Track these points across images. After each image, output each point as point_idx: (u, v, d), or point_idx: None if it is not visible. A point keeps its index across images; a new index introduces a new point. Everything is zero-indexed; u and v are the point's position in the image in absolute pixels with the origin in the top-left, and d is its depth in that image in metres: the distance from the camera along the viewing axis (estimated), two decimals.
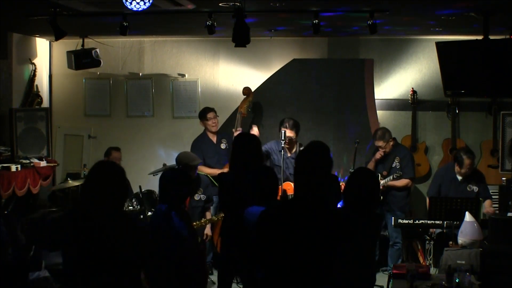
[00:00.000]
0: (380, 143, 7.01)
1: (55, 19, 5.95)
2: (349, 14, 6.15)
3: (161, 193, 4.42)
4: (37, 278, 4.93)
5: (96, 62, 7.68)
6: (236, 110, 7.61)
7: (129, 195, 7.25)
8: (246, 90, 7.63)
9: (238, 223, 4.67)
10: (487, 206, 6.83)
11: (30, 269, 4.94)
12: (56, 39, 6.20)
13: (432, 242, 7.14)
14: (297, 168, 3.54)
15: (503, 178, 7.09)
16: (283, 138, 6.95)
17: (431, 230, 7.00)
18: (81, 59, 7.54)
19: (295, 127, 7.04)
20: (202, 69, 8.48)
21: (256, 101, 7.86)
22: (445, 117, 7.98)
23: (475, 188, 6.79)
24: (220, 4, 5.53)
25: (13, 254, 4.82)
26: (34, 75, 8.09)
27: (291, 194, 6.60)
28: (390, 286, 5.03)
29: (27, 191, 7.01)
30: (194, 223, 5.60)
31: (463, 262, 5.12)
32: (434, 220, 6.48)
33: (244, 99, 7.58)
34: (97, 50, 7.71)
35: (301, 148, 6.75)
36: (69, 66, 7.61)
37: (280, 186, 6.91)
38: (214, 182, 6.88)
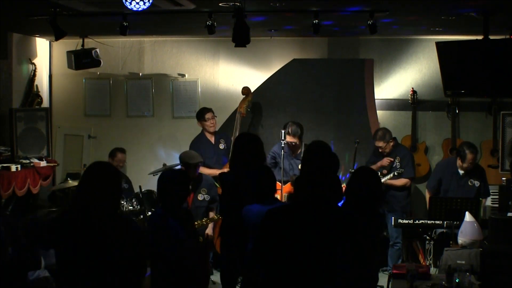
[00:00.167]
0: (380, 144, 7.01)
1: (55, 19, 5.95)
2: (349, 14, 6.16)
3: (159, 193, 4.41)
4: (37, 278, 4.93)
5: (96, 62, 7.68)
6: (236, 110, 7.61)
7: (129, 195, 7.26)
8: (245, 90, 7.63)
9: (239, 223, 4.67)
10: None
11: (29, 268, 4.93)
12: (56, 39, 6.19)
13: (432, 242, 7.14)
14: (301, 168, 3.56)
15: (503, 178, 7.08)
16: (283, 138, 6.96)
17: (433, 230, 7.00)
18: (81, 59, 7.54)
19: (297, 134, 7.00)
20: (202, 69, 8.48)
21: (255, 101, 7.86)
22: (445, 117, 7.98)
23: (477, 183, 6.81)
24: (220, 4, 5.53)
25: (13, 254, 4.81)
26: (34, 75, 8.09)
27: None
28: (390, 286, 5.03)
29: (27, 191, 7.01)
30: (196, 223, 5.59)
31: (463, 262, 5.12)
32: (434, 220, 6.49)
33: (243, 99, 7.58)
34: (97, 50, 7.71)
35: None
36: (69, 66, 7.61)
37: (283, 186, 6.93)
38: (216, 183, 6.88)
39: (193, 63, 8.49)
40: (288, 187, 6.78)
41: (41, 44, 8.35)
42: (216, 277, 6.70)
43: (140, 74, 8.57)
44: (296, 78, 7.94)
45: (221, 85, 8.43)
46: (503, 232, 5.52)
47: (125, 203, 7.02)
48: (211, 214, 6.72)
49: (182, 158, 6.62)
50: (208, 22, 5.92)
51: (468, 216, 5.57)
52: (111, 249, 3.37)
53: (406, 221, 6.84)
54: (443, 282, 4.63)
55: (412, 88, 7.93)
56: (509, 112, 7.58)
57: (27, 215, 6.71)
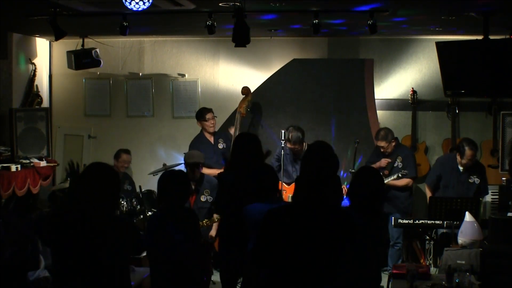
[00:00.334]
0: (382, 143, 7.00)
1: (55, 19, 5.95)
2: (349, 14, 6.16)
3: (158, 194, 4.40)
4: (37, 278, 4.93)
5: (96, 62, 7.68)
6: (236, 110, 7.61)
7: (130, 196, 7.25)
8: (245, 90, 7.62)
9: (239, 223, 4.66)
10: None
11: (28, 269, 4.93)
12: (56, 39, 6.19)
13: (432, 242, 7.14)
14: (301, 168, 3.56)
15: (503, 178, 7.09)
16: (283, 138, 6.96)
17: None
18: (81, 59, 7.54)
19: (298, 141, 6.97)
20: (202, 69, 8.48)
21: (255, 101, 7.86)
22: (445, 117, 7.98)
23: (477, 180, 6.81)
24: (220, 4, 5.53)
25: (12, 254, 4.82)
26: (34, 75, 8.09)
27: None
28: (390, 286, 5.03)
29: (27, 191, 7.01)
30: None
31: (463, 262, 5.12)
32: (434, 220, 6.49)
33: (243, 99, 7.58)
34: (97, 50, 7.71)
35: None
36: (69, 66, 7.61)
37: (287, 187, 6.94)
38: None
39: (193, 63, 8.49)
40: (292, 189, 6.79)
41: (41, 44, 8.35)
42: (216, 277, 6.69)
43: (140, 74, 8.57)
44: (296, 78, 7.94)
45: (221, 85, 8.43)
46: (503, 232, 5.52)
47: (125, 203, 7.02)
48: (215, 216, 6.71)
49: (184, 158, 6.63)
50: (208, 22, 5.92)
51: (468, 216, 5.57)
52: (106, 249, 3.38)
53: (406, 221, 6.84)
54: (443, 282, 4.63)
55: (412, 88, 7.93)
56: (509, 112, 7.58)
57: (27, 215, 6.71)
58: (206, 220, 6.41)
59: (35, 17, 6.17)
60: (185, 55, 8.50)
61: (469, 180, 6.83)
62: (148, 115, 8.61)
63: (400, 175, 6.90)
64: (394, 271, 5.01)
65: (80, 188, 3.48)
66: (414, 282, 4.59)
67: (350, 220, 3.52)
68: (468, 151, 6.70)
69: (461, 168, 6.85)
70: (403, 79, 8.07)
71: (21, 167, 7.03)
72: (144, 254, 6.13)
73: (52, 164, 7.56)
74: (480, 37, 5.88)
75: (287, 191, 6.97)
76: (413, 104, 7.88)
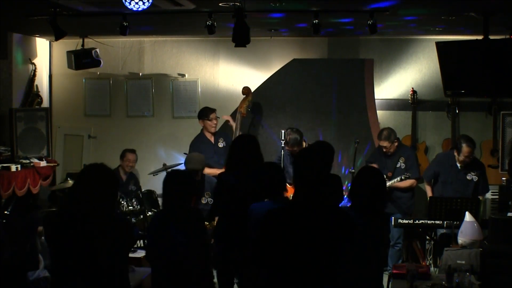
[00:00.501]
0: (385, 144, 6.98)
1: (55, 19, 5.95)
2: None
3: (163, 194, 4.38)
4: (37, 278, 4.93)
5: (96, 62, 7.68)
6: (236, 110, 7.61)
7: (131, 195, 7.25)
8: (246, 90, 7.62)
9: (239, 223, 4.66)
10: None
11: (28, 268, 4.93)
12: (56, 39, 6.19)
13: (432, 242, 7.14)
14: (296, 169, 3.55)
15: (503, 178, 7.09)
16: (282, 138, 6.96)
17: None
18: (81, 59, 7.54)
19: (296, 143, 6.96)
20: (202, 69, 8.48)
21: (256, 101, 7.85)
22: (445, 117, 7.98)
23: (475, 178, 6.79)
24: (220, 4, 5.53)
25: (12, 254, 4.82)
26: (34, 75, 8.09)
27: None
28: (390, 286, 5.03)
29: (27, 191, 7.01)
30: None
31: (463, 262, 5.12)
32: (434, 220, 6.48)
33: (244, 99, 7.58)
34: (97, 50, 7.71)
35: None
36: (69, 66, 7.61)
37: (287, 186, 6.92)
38: None
39: (193, 63, 8.49)
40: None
41: (41, 44, 8.36)
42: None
43: (140, 74, 8.57)
44: (296, 78, 7.94)
45: (221, 85, 8.44)
46: (503, 232, 5.51)
47: (125, 203, 7.02)
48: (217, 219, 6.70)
49: (184, 161, 6.61)
50: (208, 22, 5.92)
51: (468, 216, 5.56)
52: (105, 249, 3.38)
53: (406, 221, 6.83)
54: (443, 282, 4.63)
55: (412, 88, 7.93)
56: (509, 112, 7.58)
57: (27, 215, 6.72)
58: (207, 223, 6.41)
59: (35, 17, 6.17)
60: (185, 55, 8.50)
61: (467, 178, 6.82)
62: (148, 115, 8.61)
63: (403, 177, 6.88)
64: (394, 271, 5.01)
65: (78, 189, 3.49)
66: (414, 282, 4.58)
67: (348, 219, 3.52)
68: (465, 148, 6.68)
69: (459, 165, 6.84)
70: (403, 79, 8.07)
71: (21, 167, 7.03)
72: (144, 254, 6.17)
73: (52, 164, 7.56)
74: (480, 37, 5.88)
75: (289, 191, 6.97)
76: (413, 104, 7.88)
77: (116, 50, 8.49)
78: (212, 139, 7.50)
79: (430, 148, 8.01)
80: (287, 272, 3.43)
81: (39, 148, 7.50)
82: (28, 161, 7.18)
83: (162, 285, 4.18)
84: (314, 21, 5.85)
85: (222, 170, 6.64)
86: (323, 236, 3.40)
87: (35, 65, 8.10)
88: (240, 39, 5.57)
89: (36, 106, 7.99)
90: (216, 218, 6.48)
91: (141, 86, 8.61)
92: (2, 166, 6.81)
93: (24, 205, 7.03)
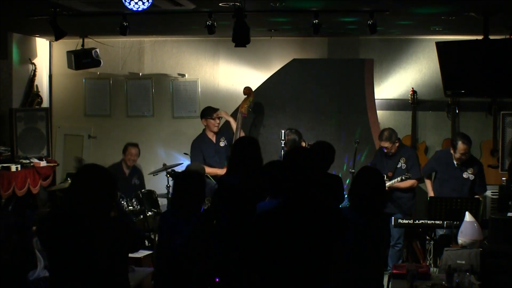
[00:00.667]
0: (386, 144, 6.97)
1: (55, 19, 5.95)
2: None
3: (172, 195, 4.35)
4: (37, 278, 4.92)
5: (96, 62, 7.68)
6: (237, 110, 7.61)
7: (131, 194, 7.24)
8: (247, 90, 7.61)
9: (240, 225, 4.65)
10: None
11: (28, 268, 4.93)
12: (56, 39, 6.20)
13: (432, 242, 7.13)
14: (284, 169, 3.59)
15: (503, 178, 7.08)
16: (283, 138, 6.96)
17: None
18: (81, 59, 7.55)
19: (293, 145, 6.94)
20: (202, 69, 8.48)
21: (258, 101, 7.84)
22: (445, 117, 7.98)
23: (471, 176, 6.78)
24: (220, 4, 5.53)
25: (12, 254, 4.81)
26: (34, 75, 8.10)
27: None
28: (390, 286, 5.03)
29: (27, 191, 7.01)
30: None
31: (463, 262, 5.12)
32: (434, 220, 6.48)
33: (245, 99, 7.57)
34: (97, 50, 7.71)
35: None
36: (69, 66, 7.61)
37: None
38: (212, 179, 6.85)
39: (193, 63, 8.49)
40: None
41: (41, 44, 8.36)
42: None
43: (140, 74, 8.58)
44: (296, 78, 7.94)
45: (221, 85, 8.44)
46: (503, 232, 5.51)
47: (125, 203, 7.02)
48: None
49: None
50: (208, 22, 5.92)
51: (468, 216, 5.56)
52: (103, 250, 3.38)
53: (406, 221, 6.83)
54: (443, 282, 4.63)
55: (412, 88, 7.93)
56: (509, 112, 7.58)
57: (27, 215, 6.72)
58: None
59: (35, 17, 6.17)
60: (185, 55, 8.50)
61: (464, 176, 6.81)
62: (148, 115, 8.61)
63: (403, 177, 6.87)
64: (394, 271, 5.01)
65: (74, 190, 3.49)
66: (414, 282, 4.58)
67: (338, 216, 3.54)
68: (460, 145, 6.67)
69: (455, 163, 6.84)
70: (403, 79, 8.07)
71: (21, 167, 7.04)
72: (145, 254, 6.18)
73: (52, 164, 7.56)
74: (480, 37, 5.88)
75: None
76: (413, 104, 7.88)
77: (116, 50, 8.49)
78: (214, 139, 7.50)
79: (430, 148, 8.01)
80: (280, 273, 3.43)
81: (39, 148, 7.50)
82: (28, 161, 7.18)
83: (165, 285, 4.17)
84: (314, 21, 5.85)
85: (223, 169, 6.67)
86: (314, 235, 3.41)
87: (35, 65, 8.10)
88: (240, 39, 5.57)
89: (36, 106, 7.99)
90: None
91: (141, 86, 8.61)
92: (2, 166, 6.81)
93: (24, 205, 7.03)
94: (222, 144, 7.45)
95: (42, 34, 8.05)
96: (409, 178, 6.89)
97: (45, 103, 8.37)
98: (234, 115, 7.68)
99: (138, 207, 7.07)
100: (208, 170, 7.11)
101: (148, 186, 7.76)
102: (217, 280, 4.48)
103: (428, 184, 7.12)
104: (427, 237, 7.15)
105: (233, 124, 7.47)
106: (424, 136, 8.05)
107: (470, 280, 4.54)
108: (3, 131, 7.50)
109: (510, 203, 6.40)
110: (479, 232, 5.46)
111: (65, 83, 8.68)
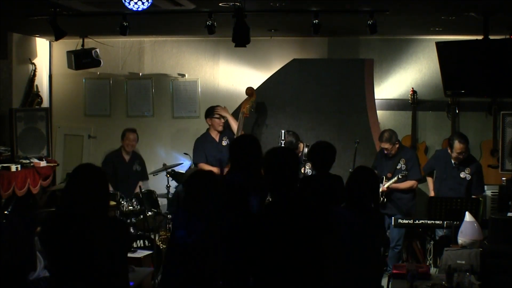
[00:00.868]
0: (386, 145, 6.96)
1: (55, 19, 5.95)
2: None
3: (185, 195, 4.34)
4: (37, 278, 4.92)
5: (96, 62, 7.69)
6: (237, 110, 7.60)
7: (142, 178, 7.25)
8: (249, 91, 7.58)
9: (244, 224, 4.65)
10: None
11: (28, 270, 4.93)
12: (56, 39, 6.20)
13: (432, 242, 7.13)
14: (267, 171, 3.65)
15: (503, 178, 7.08)
16: (283, 138, 6.96)
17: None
18: (81, 59, 7.55)
19: (291, 146, 6.93)
20: (202, 69, 8.48)
21: (260, 101, 7.82)
22: (445, 117, 7.98)
23: (468, 176, 6.78)
24: (220, 4, 5.53)
25: (12, 255, 4.81)
26: (34, 75, 8.10)
27: None
28: (390, 286, 5.03)
29: (27, 191, 7.01)
30: None
31: (463, 262, 5.12)
32: (434, 220, 6.48)
33: (247, 100, 7.53)
34: (97, 50, 7.72)
35: (306, 149, 6.74)
36: (69, 66, 7.61)
37: None
38: None
39: (193, 63, 8.49)
40: None
41: (41, 44, 8.36)
42: None
43: (140, 74, 8.58)
44: (296, 78, 7.94)
45: (221, 85, 8.44)
46: (503, 232, 5.52)
47: (125, 203, 7.02)
48: None
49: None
50: (208, 22, 5.92)
51: (468, 216, 5.56)
52: (102, 250, 3.38)
53: (406, 221, 6.83)
54: (443, 282, 4.63)
55: (412, 88, 7.93)
56: (509, 112, 7.58)
57: (26, 215, 6.71)
58: None
59: (35, 17, 6.18)
60: (185, 55, 8.50)
61: (461, 175, 6.81)
62: (148, 115, 8.61)
63: (400, 176, 6.88)
64: (394, 271, 5.01)
65: (73, 191, 3.48)
66: (414, 282, 4.58)
67: (323, 210, 3.57)
68: (457, 144, 6.67)
69: (453, 162, 6.84)
70: (403, 79, 8.07)
71: (21, 167, 7.04)
72: (145, 254, 6.18)
73: (52, 164, 7.56)
74: (480, 37, 5.88)
75: None
76: (413, 104, 7.88)
77: (116, 50, 8.49)
78: (217, 138, 7.51)
79: (430, 148, 8.01)
80: (274, 274, 3.45)
81: (39, 148, 7.51)
82: (28, 161, 7.18)
83: (173, 285, 4.16)
84: (314, 21, 5.85)
85: (224, 168, 6.67)
86: (302, 231, 3.44)
87: (35, 65, 8.10)
88: (240, 39, 5.57)
89: (36, 106, 7.99)
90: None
91: (141, 86, 8.61)
92: (2, 166, 6.82)
93: (24, 205, 7.03)
94: (224, 143, 7.46)
95: (42, 34, 8.05)
96: (406, 177, 6.90)
97: (45, 103, 8.37)
98: (234, 115, 7.68)
99: (138, 207, 7.07)
100: (207, 167, 7.14)
101: (148, 186, 7.75)
102: (221, 283, 4.48)
103: (430, 182, 7.14)
104: (428, 238, 7.15)
105: (231, 121, 7.46)
106: (424, 136, 8.05)
107: (470, 280, 4.54)
108: (3, 131, 7.51)
109: (510, 203, 6.40)
110: (479, 232, 5.46)
111: (65, 83, 8.68)
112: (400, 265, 5.64)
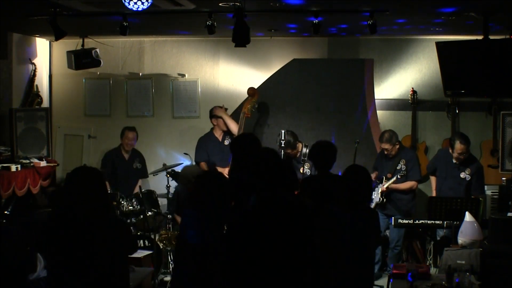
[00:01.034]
0: (387, 146, 6.96)
1: (55, 19, 5.95)
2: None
3: (196, 195, 4.34)
4: (37, 278, 4.92)
5: (96, 62, 7.68)
6: (238, 110, 7.60)
7: (143, 175, 7.25)
8: (251, 91, 7.55)
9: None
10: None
11: (28, 271, 4.93)
12: (56, 39, 6.20)
13: (432, 242, 7.13)
14: (252, 172, 3.68)
15: (503, 178, 7.08)
16: (282, 138, 6.95)
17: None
18: (81, 59, 7.54)
19: (288, 147, 6.91)
20: (202, 69, 8.48)
21: (262, 102, 7.81)
22: (445, 117, 7.98)
23: (468, 176, 6.78)
24: (220, 4, 5.53)
25: (12, 255, 4.81)
26: (34, 75, 8.09)
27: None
28: (390, 286, 5.03)
29: (27, 191, 7.01)
30: None
31: (463, 262, 5.12)
32: (434, 220, 6.48)
33: (248, 100, 7.50)
34: (97, 50, 7.71)
35: (306, 150, 6.73)
36: (69, 66, 7.61)
37: None
38: None
39: (193, 63, 8.49)
40: None
41: (41, 44, 8.36)
42: None
43: (140, 74, 8.57)
44: (296, 78, 7.94)
45: (221, 85, 8.44)
46: (503, 232, 5.52)
47: (125, 203, 7.02)
48: None
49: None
50: (208, 22, 5.92)
51: (468, 216, 5.56)
52: (102, 251, 3.38)
53: (406, 221, 6.83)
54: (443, 282, 4.63)
55: (412, 88, 7.93)
56: (509, 112, 7.57)
57: (26, 215, 6.71)
58: None
59: (35, 17, 6.17)
60: (185, 55, 8.50)
61: (461, 175, 6.82)
62: (148, 115, 8.61)
63: (398, 176, 6.88)
64: (394, 271, 5.01)
65: (72, 192, 3.48)
66: (414, 282, 4.59)
67: (301, 206, 3.60)
68: (458, 145, 6.68)
69: (454, 162, 6.84)
70: (403, 79, 8.07)
71: (21, 167, 7.03)
72: (145, 254, 6.17)
73: (52, 164, 7.56)
74: (480, 37, 5.88)
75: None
76: (413, 104, 7.88)
77: (116, 50, 8.49)
78: (220, 137, 7.54)
79: (430, 148, 8.01)
80: (259, 275, 3.47)
81: (39, 148, 7.50)
82: (28, 161, 7.17)
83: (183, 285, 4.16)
84: (314, 21, 5.85)
85: (223, 168, 6.68)
86: (283, 230, 3.47)
87: (35, 65, 8.10)
88: (240, 39, 5.57)
89: (36, 106, 7.99)
90: None
91: (141, 86, 8.61)
92: (2, 166, 6.81)
93: (24, 205, 7.03)
94: (226, 142, 7.47)
95: (42, 34, 8.05)
96: (405, 177, 6.90)
97: (45, 103, 8.36)
98: (234, 115, 7.68)
99: (138, 207, 7.07)
100: (205, 167, 7.15)
101: (148, 186, 7.76)
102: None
103: (433, 181, 7.14)
104: (428, 238, 7.15)
105: (228, 121, 7.44)
106: (424, 136, 8.05)
107: (470, 280, 4.54)
108: (3, 131, 7.50)
109: (510, 203, 6.40)
110: (479, 232, 5.47)
111: (65, 83, 8.68)
112: (400, 265, 5.65)
